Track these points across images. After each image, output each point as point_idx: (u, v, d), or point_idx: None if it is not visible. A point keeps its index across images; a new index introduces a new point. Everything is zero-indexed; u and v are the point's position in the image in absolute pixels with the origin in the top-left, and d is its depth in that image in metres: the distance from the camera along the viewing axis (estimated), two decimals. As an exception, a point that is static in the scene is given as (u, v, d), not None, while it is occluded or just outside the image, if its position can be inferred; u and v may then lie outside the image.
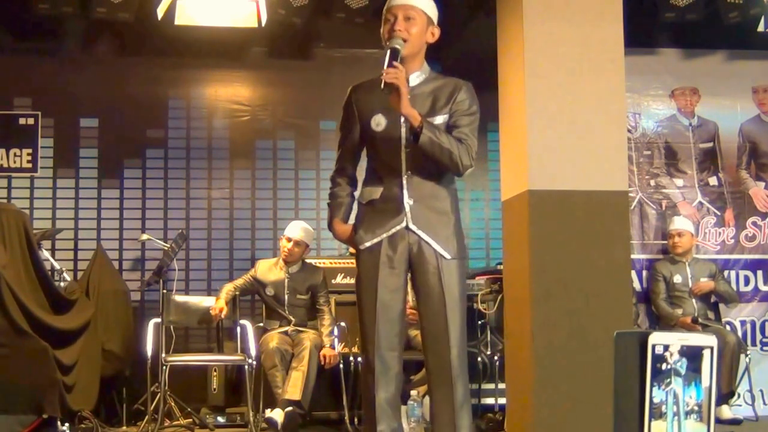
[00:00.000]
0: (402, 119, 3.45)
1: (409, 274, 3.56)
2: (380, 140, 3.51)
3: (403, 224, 3.47)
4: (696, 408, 1.62)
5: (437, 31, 3.57)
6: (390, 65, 3.31)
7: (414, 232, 3.47)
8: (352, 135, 3.60)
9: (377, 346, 3.45)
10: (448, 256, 3.48)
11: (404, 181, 3.47)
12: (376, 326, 3.45)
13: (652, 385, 1.63)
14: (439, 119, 3.48)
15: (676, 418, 1.62)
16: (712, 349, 1.65)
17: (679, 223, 6.74)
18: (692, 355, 1.63)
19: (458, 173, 3.50)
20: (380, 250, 3.47)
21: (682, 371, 1.63)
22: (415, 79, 3.53)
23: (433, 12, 3.58)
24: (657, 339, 1.64)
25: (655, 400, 1.63)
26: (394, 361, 3.50)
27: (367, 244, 3.50)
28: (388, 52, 3.35)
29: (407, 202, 3.47)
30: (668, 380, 1.63)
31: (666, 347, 1.64)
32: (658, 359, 1.63)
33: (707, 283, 6.62)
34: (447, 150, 3.39)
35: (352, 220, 3.68)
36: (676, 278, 6.65)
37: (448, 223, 3.52)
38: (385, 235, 3.48)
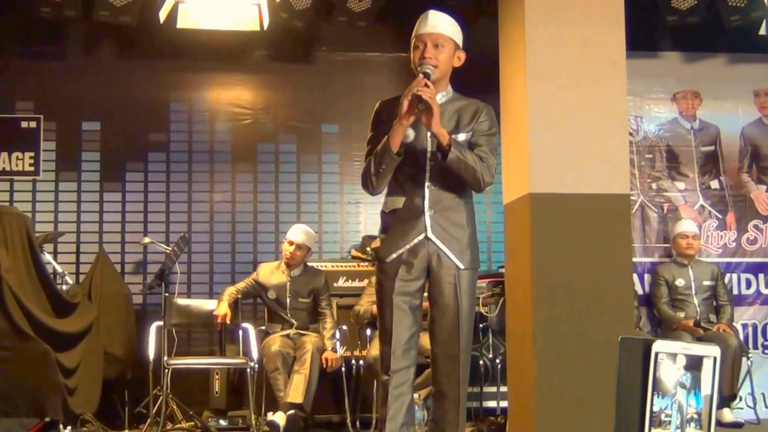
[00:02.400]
0: (429, 133, 3.61)
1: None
2: (407, 152, 3.63)
3: (423, 234, 3.62)
4: (696, 416, 1.63)
5: (463, 56, 3.75)
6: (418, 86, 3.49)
7: (433, 242, 3.63)
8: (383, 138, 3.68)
9: (393, 347, 3.59)
10: (461, 266, 3.66)
11: (426, 192, 3.64)
12: (393, 328, 3.59)
13: (653, 393, 1.63)
14: (462, 137, 3.66)
15: (678, 426, 1.62)
16: (715, 359, 1.65)
17: (691, 225, 6.73)
18: (693, 364, 1.63)
19: (479, 189, 3.70)
20: (400, 258, 3.63)
21: (684, 380, 1.63)
22: (440, 98, 3.69)
23: (459, 37, 3.74)
24: (661, 347, 1.64)
25: (655, 408, 1.63)
26: (406, 365, 3.62)
27: (394, 256, 3.63)
28: (421, 75, 3.54)
29: (428, 212, 3.63)
30: (672, 389, 1.63)
31: (669, 356, 1.64)
32: (661, 367, 1.62)
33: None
34: (471, 168, 3.58)
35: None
36: (678, 281, 6.64)
37: (464, 235, 3.69)
38: (406, 248, 3.63)
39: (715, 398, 1.65)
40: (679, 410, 1.63)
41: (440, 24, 3.68)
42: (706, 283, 6.65)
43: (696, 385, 1.63)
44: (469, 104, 3.74)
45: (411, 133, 3.62)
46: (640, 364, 1.68)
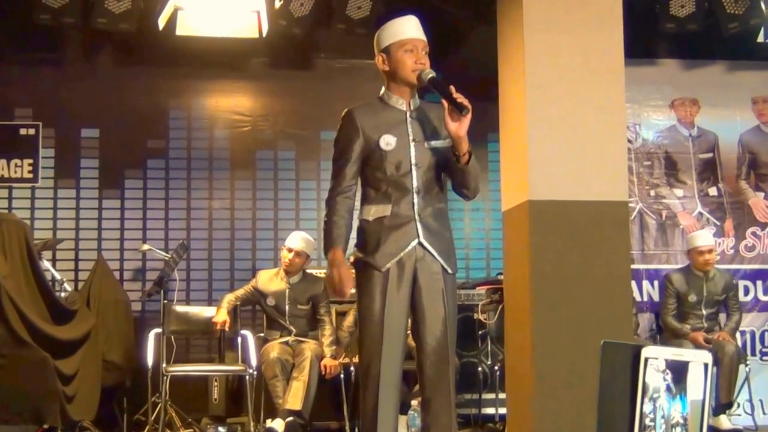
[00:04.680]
0: (411, 137, 3.61)
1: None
2: (389, 159, 3.60)
3: (416, 241, 3.57)
4: (681, 421, 1.61)
5: None
6: (453, 95, 3.48)
7: (424, 248, 3.58)
8: (356, 156, 3.64)
9: (383, 359, 3.51)
10: (450, 271, 3.63)
11: (414, 199, 3.59)
12: (383, 340, 3.52)
13: (642, 399, 1.61)
14: (446, 142, 3.62)
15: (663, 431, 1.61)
16: (705, 365, 1.63)
17: (707, 239, 6.61)
18: (679, 368, 1.61)
19: (474, 197, 3.76)
20: (390, 267, 3.56)
21: (669, 385, 1.62)
22: (415, 103, 3.71)
23: None
24: (650, 353, 1.62)
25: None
26: (398, 374, 3.58)
27: (388, 266, 3.55)
28: (443, 85, 3.52)
29: (418, 218, 3.58)
30: (656, 394, 1.62)
31: (656, 360, 1.62)
32: (648, 372, 1.61)
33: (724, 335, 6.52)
34: (478, 174, 3.67)
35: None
36: (690, 297, 6.52)
37: (449, 239, 3.68)
38: (401, 255, 3.56)
39: (707, 404, 1.62)
40: (664, 415, 1.61)
41: (423, 32, 3.69)
42: (717, 298, 6.56)
43: (681, 390, 1.61)
44: (437, 108, 3.67)
45: (392, 141, 3.59)
46: (627, 369, 1.66)
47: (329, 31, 6.69)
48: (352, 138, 3.64)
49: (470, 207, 7.43)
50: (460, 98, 3.45)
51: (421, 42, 3.65)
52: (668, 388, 1.61)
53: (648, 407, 1.61)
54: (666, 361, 1.62)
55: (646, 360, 1.62)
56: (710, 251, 6.57)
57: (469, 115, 3.46)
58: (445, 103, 3.49)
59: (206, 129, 7.41)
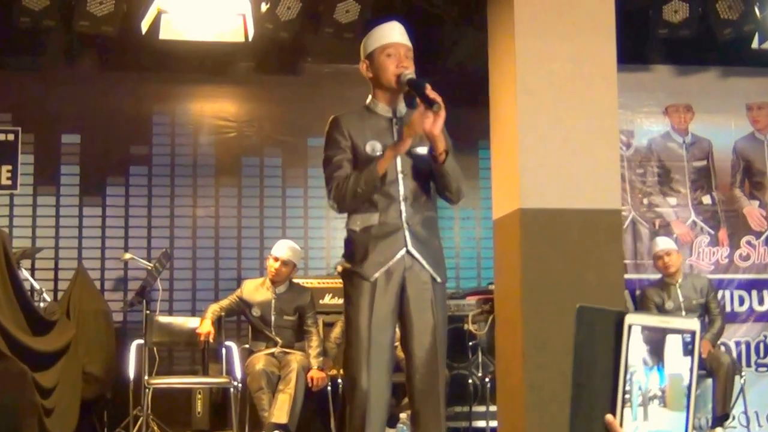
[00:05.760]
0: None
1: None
2: None
3: (404, 250, 3.56)
4: (659, 393, 1.51)
5: None
6: (426, 91, 3.45)
7: (412, 256, 3.57)
8: (349, 151, 3.62)
9: (369, 371, 3.50)
10: (439, 280, 3.62)
11: (402, 207, 3.59)
12: (370, 351, 3.51)
13: (626, 372, 1.51)
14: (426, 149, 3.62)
15: (640, 405, 1.51)
16: (692, 333, 1.52)
17: (664, 243, 6.57)
18: (656, 338, 1.52)
19: (458, 200, 3.73)
20: (378, 277, 3.55)
21: (646, 355, 1.52)
22: (401, 111, 3.71)
23: None
24: (635, 320, 1.52)
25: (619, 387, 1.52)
26: (386, 386, 3.57)
27: (376, 275, 3.54)
28: (418, 83, 3.50)
29: (406, 227, 3.57)
30: (633, 365, 1.52)
31: (635, 329, 1.52)
32: (630, 342, 1.51)
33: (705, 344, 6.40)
34: (459, 175, 3.62)
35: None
36: (668, 305, 6.47)
37: (438, 248, 3.68)
38: (389, 264, 3.55)
39: (695, 377, 1.52)
40: (640, 387, 1.51)
41: (407, 38, 3.69)
42: (696, 301, 6.49)
43: (659, 360, 1.51)
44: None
45: (378, 147, 3.59)
46: (609, 338, 1.55)
47: (316, 36, 6.63)
48: (341, 140, 3.64)
49: (460, 215, 7.37)
50: (431, 94, 3.42)
51: (403, 47, 3.64)
52: (645, 360, 1.51)
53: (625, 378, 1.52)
54: (643, 332, 1.51)
55: (630, 327, 1.51)
56: (668, 254, 6.49)
57: (443, 113, 3.42)
58: (419, 101, 3.47)
59: (190, 135, 7.36)
